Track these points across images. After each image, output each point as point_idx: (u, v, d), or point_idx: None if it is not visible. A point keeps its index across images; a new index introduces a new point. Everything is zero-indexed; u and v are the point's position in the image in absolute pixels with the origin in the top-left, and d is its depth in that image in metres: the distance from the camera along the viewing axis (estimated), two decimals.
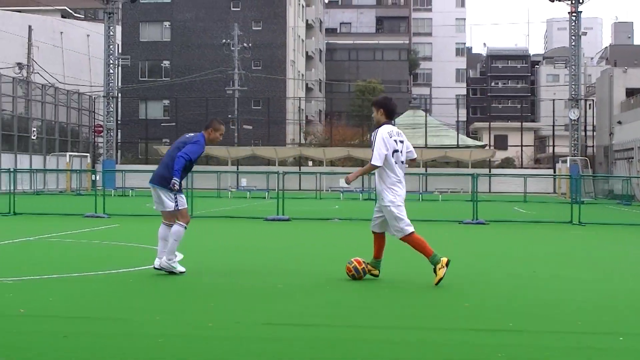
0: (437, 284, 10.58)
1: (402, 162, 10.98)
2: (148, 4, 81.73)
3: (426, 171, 62.10)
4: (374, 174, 11.14)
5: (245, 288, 10.51)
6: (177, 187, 11.39)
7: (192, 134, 11.96)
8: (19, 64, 69.52)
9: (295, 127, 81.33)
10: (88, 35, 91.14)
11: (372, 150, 10.75)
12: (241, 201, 41.09)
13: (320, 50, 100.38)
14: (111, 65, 62.92)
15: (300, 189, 56.93)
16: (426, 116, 75.60)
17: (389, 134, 10.74)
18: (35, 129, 59.26)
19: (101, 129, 64.78)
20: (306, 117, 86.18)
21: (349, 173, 11.39)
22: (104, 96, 64.01)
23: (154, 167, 56.15)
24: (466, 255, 15.32)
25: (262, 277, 11.46)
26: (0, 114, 55.68)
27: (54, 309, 8.75)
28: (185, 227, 11.69)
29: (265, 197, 44.75)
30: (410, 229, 10.81)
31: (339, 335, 7.60)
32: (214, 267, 12.82)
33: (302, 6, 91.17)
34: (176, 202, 11.66)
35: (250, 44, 76.69)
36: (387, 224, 10.99)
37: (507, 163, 76.31)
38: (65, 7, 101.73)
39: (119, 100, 68.66)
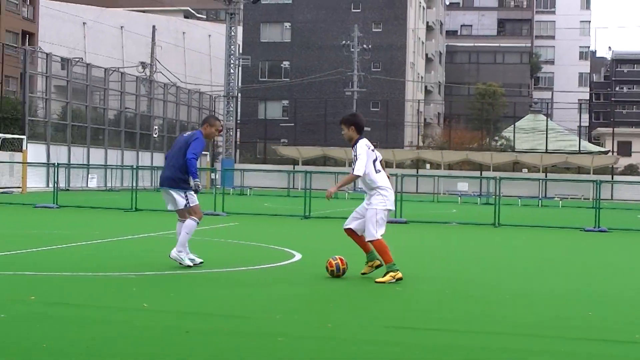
0: (377, 282, 10.86)
1: (380, 170, 11.29)
2: (269, 5, 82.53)
3: (546, 176, 61.10)
4: (355, 183, 11.31)
5: (362, 291, 10.44)
6: (200, 187, 12.14)
7: (190, 132, 12.48)
8: (142, 63, 71.06)
9: (414, 129, 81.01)
10: (209, 36, 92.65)
11: (355, 163, 11.14)
12: (359, 202, 40.98)
13: (440, 52, 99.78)
14: (232, 65, 63.74)
15: (417, 192, 56.60)
16: (547, 120, 74.39)
17: (367, 146, 11.17)
18: (157, 127, 60.51)
19: (221, 128, 65.67)
20: (425, 119, 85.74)
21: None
22: (224, 96, 64.92)
23: (272, 167, 56.33)
24: (589, 264, 14.94)
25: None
26: (124, 112, 57.02)
27: (176, 305, 8.84)
28: (198, 222, 12.10)
29: None
30: (379, 234, 11.11)
31: (465, 342, 7.45)
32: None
33: (423, 8, 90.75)
34: (187, 199, 12.07)
35: (370, 46, 76.60)
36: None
37: (631, 170, 74.28)
38: (188, 8, 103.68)
39: (239, 100, 69.48)
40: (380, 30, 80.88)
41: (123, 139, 56.22)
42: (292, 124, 73.92)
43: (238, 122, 68.41)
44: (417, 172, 63.87)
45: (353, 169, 11.07)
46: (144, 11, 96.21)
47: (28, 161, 43.00)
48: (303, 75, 79.93)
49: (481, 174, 58.47)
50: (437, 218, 27.63)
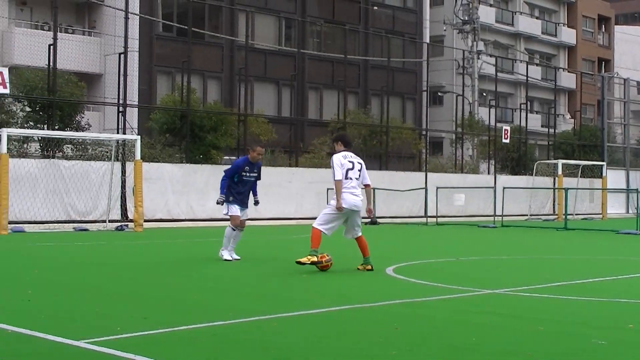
0: (297, 262, 13.13)
1: (357, 178, 13.50)
2: None
3: None
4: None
5: None
6: (220, 200, 14.97)
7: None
8: None
9: None
10: None
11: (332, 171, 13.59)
12: None
13: None
14: None
15: None
16: None
17: (343, 156, 13.54)
18: None
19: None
20: None
21: None
22: None
23: None
24: None
25: None
26: None
27: None
28: (233, 229, 14.96)
29: None
30: (316, 225, 13.34)
31: None
32: None
33: None
34: (227, 209, 15.01)
35: None
36: (351, 229, 13.64)
37: None
38: None
39: None
40: None
41: None
42: None
43: None
44: None
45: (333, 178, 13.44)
46: None
47: (608, 187, 43.17)
48: None
49: None
50: None
